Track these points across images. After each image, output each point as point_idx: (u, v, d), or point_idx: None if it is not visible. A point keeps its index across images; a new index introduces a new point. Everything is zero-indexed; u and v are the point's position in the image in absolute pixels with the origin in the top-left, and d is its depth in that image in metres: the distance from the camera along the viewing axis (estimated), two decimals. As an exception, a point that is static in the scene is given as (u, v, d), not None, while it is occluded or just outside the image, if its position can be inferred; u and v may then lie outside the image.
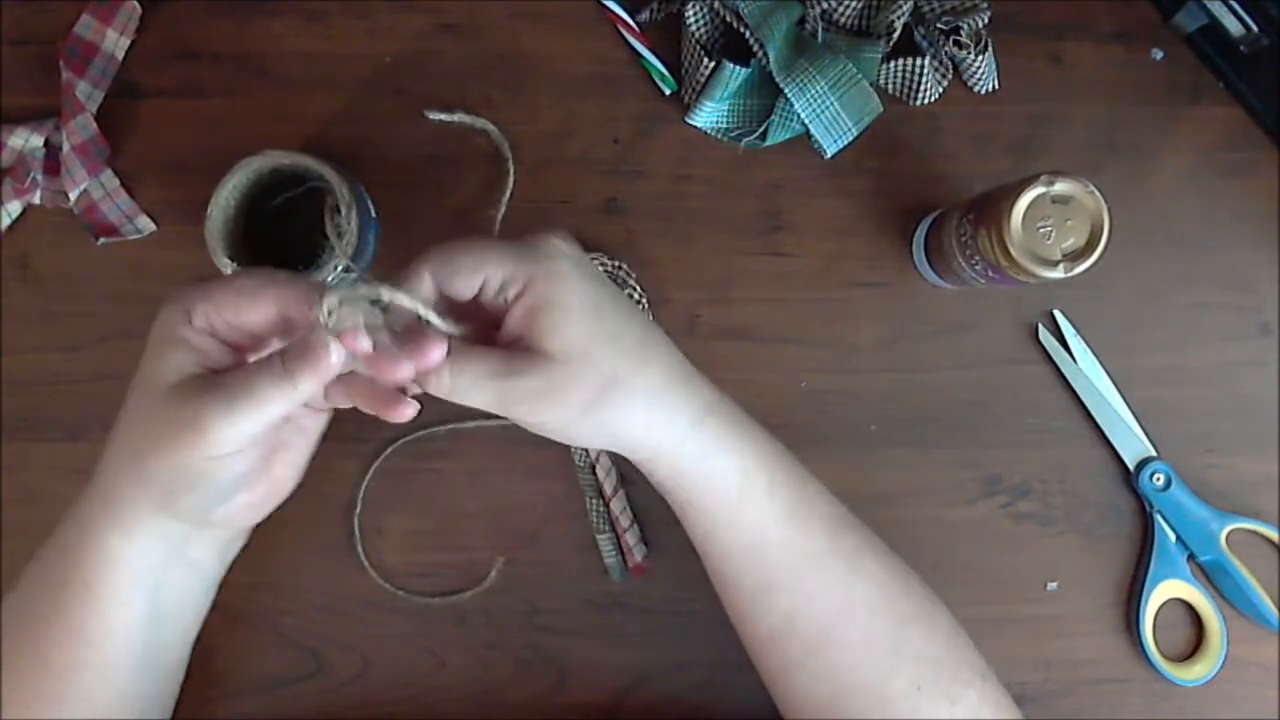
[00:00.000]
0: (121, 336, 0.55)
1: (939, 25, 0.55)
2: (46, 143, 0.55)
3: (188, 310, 0.38)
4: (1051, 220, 0.46)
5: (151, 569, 0.41)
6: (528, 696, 0.55)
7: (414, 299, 0.38)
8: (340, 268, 0.50)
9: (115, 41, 0.55)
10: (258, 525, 0.45)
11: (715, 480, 0.42)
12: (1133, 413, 0.56)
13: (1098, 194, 0.46)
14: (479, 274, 0.39)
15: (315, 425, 0.43)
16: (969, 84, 0.57)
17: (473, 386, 0.38)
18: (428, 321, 0.38)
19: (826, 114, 0.54)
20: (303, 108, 0.56)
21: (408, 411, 0.39)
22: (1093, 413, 0.56)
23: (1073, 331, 0.56)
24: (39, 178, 0.55)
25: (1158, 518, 0.55)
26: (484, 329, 0.41)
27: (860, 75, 0.54)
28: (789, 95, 0.54)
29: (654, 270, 0.56)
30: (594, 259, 0.56)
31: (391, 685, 0.55)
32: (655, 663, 0.56)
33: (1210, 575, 0.56)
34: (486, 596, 0.55)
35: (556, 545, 0.56)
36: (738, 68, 0.54)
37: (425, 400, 0.40)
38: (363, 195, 0.53)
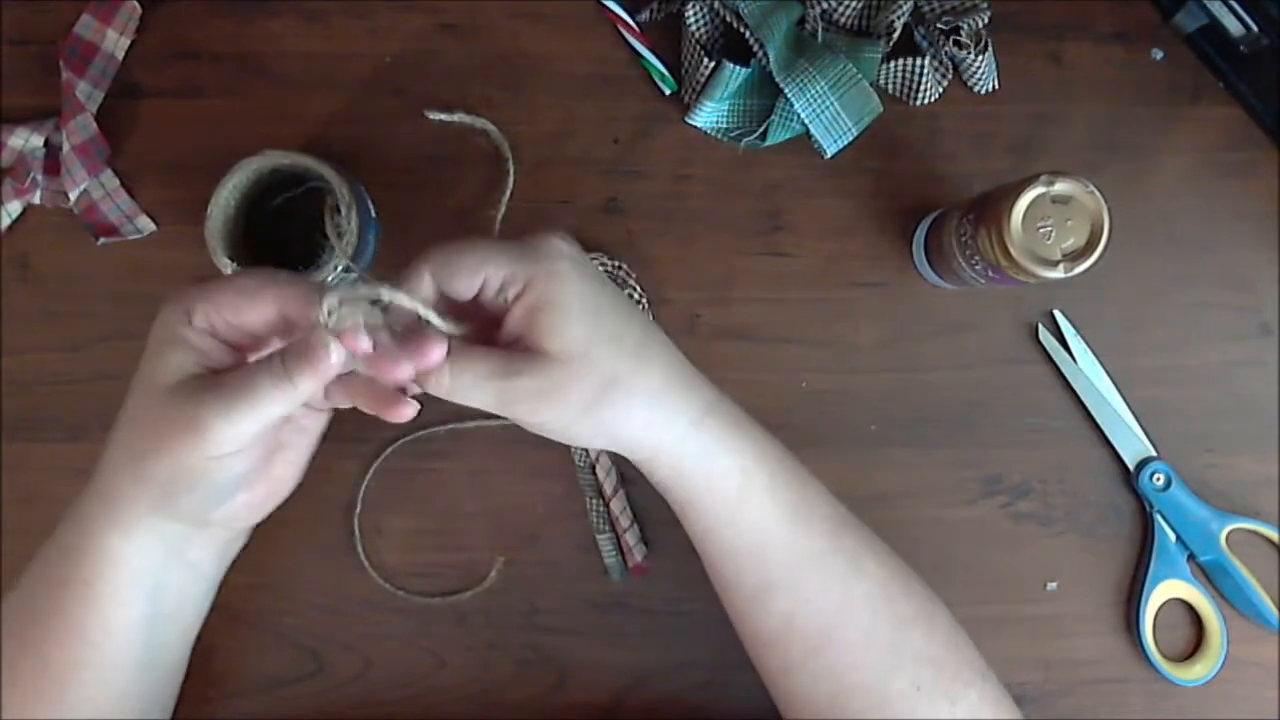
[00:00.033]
0: (121, 336, 0.55)
1: (939, 25, 0.55)
2: (46, 143, 0.55)
3: (188, 310, 0.38)
4: (1051, 220, 0.46)
5: (151, 569, 0.41)
6: (528, 696, 0.55)
7: (414, 299, 0.38)
8: (340, 268, 0.50)
9: (115, 41, 0.55)
10: (258, 525, 0.45)
11: (715, 480, 0.42)
12: (1133, 413, 0.56)
13: (1098, 194, 0.46)
14: (479, 274, 0.39)
15: (315, 425, 0.43)
16: (969, 84, 0.57)
17: (473, 386, 0.38)
18: (428, 321, 0.38)
19: (826, 114, 0.54)
20: (303, 108, 0.56)
21: (408, 412, 0.39)
22: (1093, 413, 0.56)
23: (1073, 331, 0.56)
24: (39, 178, 0.55)
25: (1158, 518, 0.56)
26: (484, 329, 0.41)
27: (860, 75, 0.54)
28: (789, 95, 0.54)
29: (654, 270, 0.56)
30: (594, 259, 0.56)
31: (391, 685, 0.55)
32: (655, 663, 0.56)
33: (1210, 575, 0.56)
34: (486, 596, 0.55)
35: (556, 545, 0.56)
36: (738, 68, 0.54)
37: (425, 400, 0.40)
38: (363, 195, 0.53)
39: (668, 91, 0.57)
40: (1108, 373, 0.56)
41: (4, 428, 0.55)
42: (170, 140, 0.56)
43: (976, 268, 0.50)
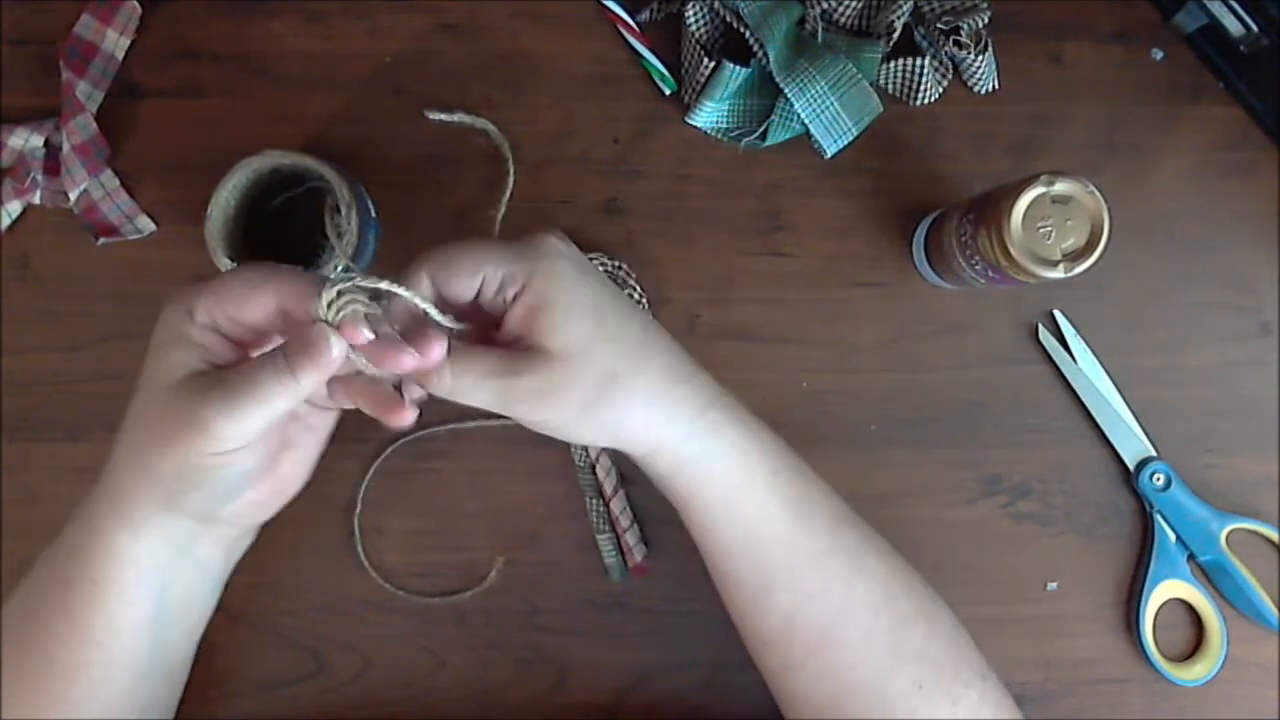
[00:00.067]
0: (121, 336, 0.55)
1: (939, 25, 0.55)
2: (46, 143, 0.55)
3: (190, 307, 0.38)
4: (1051, 220, 0.46)
5: (158, 568, 0.41)
6: (528, 696, 0.55)
7: (414, 292, 0.38)
8: (340, 268, 0.50)
9: (115, 41, 0.55)
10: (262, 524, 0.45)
11: (716, 476, 0.42)
12: (1133, 413, 0.56)
13: (1098, 194, 0.46)
14: (477, 274, 0.39)
15: (324, 424, 0.43)
16: (969, 84, 0.57)
17: (474, 385, 0.38)
18: (428, 316, 0.38)
19: (826, 114, 0.54)
20: (303, 108, 0.56)
21: (408, 416, 0.39)
22: (1093, 413, 0.56)
23: (1073, 331, 0.56)
24: (39, 178, 0.55)
25: (1158, 518, 0.55)
26: (483, 329, 0.41)
27: (860, 75, 0.54)
28: (789, 95, 0.54)
29: (654, 270, 0.56)
30: (594, 259, 0.56)
31: (391, 685, 0.55)
32: (655, 663, 0.56)
33: (1210, 575, 0.56)
34: (486, 596, 0.55)
35: (556, 545, 0.56)
36: (738, 68, 0.54)
37: (425, 400, 0.40)
38: (363, 195, 0.53)
39: (668, 91, 0.57)
40: (1108, 373, 0.56)
41: (4, 428, 0.55)
42: (170, 140, 0.56)
43: (976, 268, 0.50)
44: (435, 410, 0.46)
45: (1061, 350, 0.56)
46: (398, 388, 0.40)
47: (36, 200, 0.55)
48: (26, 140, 0.54)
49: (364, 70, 0.56)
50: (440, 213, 0.56)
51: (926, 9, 0.56)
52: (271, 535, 0.47)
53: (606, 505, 0.55)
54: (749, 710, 0.55)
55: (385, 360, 0.37)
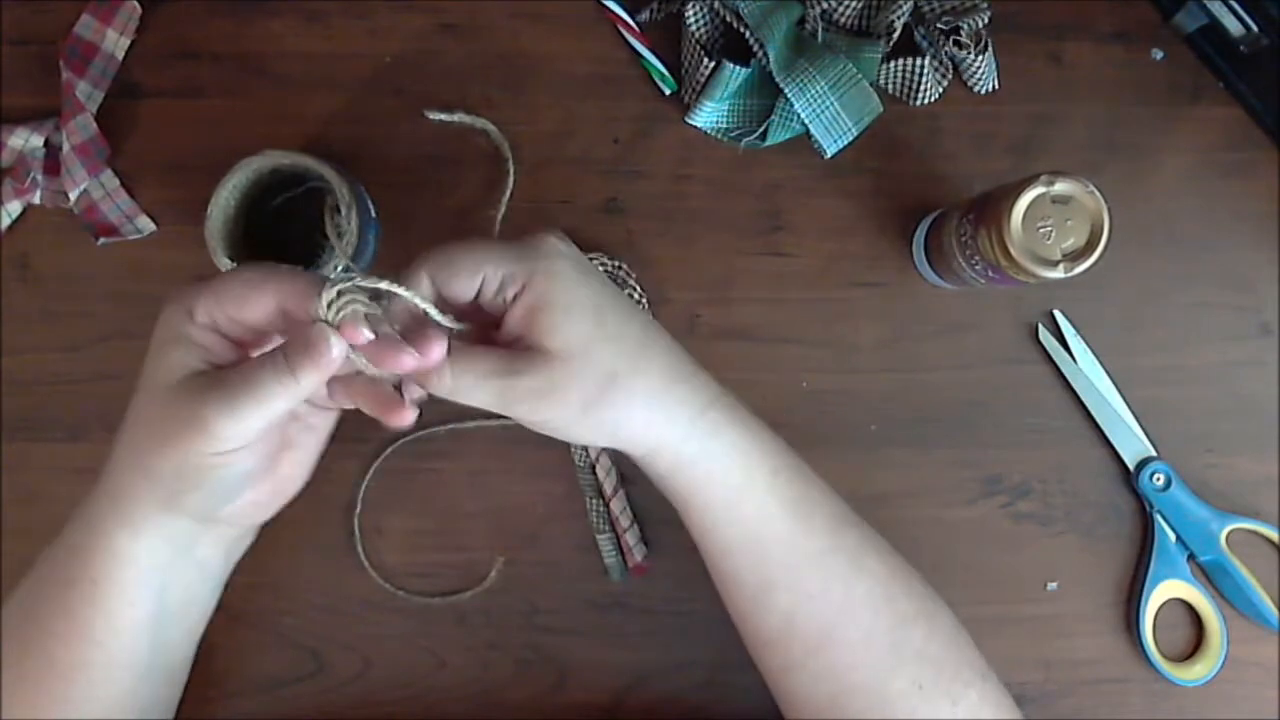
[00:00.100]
0: (121, 336, 0.55)
1: (939, 25, 0.55)
2: (46, 143, 0.55)
3: (190, 307, 0.38)
4: (1051, 220, 0.46)
5: (159, 568, 0.41)
6: (528, 696, 0.55)
7: (414, 292, 0.38)
8: (340, 267, 0.50)
9: (115, 41, 0.55)
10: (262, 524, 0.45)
11: (716, 475, 0.42)
12: (1133, 413, 0.56)
13: (1098, 194, 0.46)
14: (477, 275, 0.39)
15: (324, 424, 0.43)
16: (969, 84, 0.57)
17: (474, 385, 0.38)
18: (428, 315, 0.38)
19: (826, 114, 0.54)
20: (303, 108, 0.56)
21: (408, 416, 0.39)
22: (1093, 413, 0.56)
23: (1073, 331, 0.56)
24: (39, 178, 0.55)
25: (1158, 518, 0.55)
26: (483, 329, 0.41)
27: (860, 75, 0.54)
28: (789, 95, 0.54)
29: (654, 270, 0.56)
30: (594, 259, 0.56)
31: (391, 685, 0.55)
32: (655, 663, 0.56)
33: (1210, 575, 0.56)
34: (486, 596, 0.55)
35: (556, 545, 0.56)
36: (738, 68, 0.54)
37: (425, 400, 0.40)
38: (363, 195, 0.53)
39: (668, 91, 0.57)
40: (1108, 373, 0.56)
41: (4, 428, 0.55)
42: (170, 140, 0.56)
43: (976, 268, 0.50)
44: (435, 410, 0.46)
45: (1061, 350, 0.56)
46: (398, 388, 0.40)
47: (36, 200, 0.55)
48: (26, 140, 0.54)
49: (364, 70, 0.56)
50: (440, 213, 0.56)
51: (926, 9, 0.56)
52: (271, 535, 0.47)
53: (606, 505, 0.55)
54: (749, 710, 0.55)
55: (385, 360, 0.37)
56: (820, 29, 0.55)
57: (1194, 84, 0.58)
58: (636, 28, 0.56)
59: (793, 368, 0.56)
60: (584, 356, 0.38)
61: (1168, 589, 0.55)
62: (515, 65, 0.57)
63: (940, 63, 0.56)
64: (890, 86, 0.57)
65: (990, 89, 0.57)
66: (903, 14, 0.54)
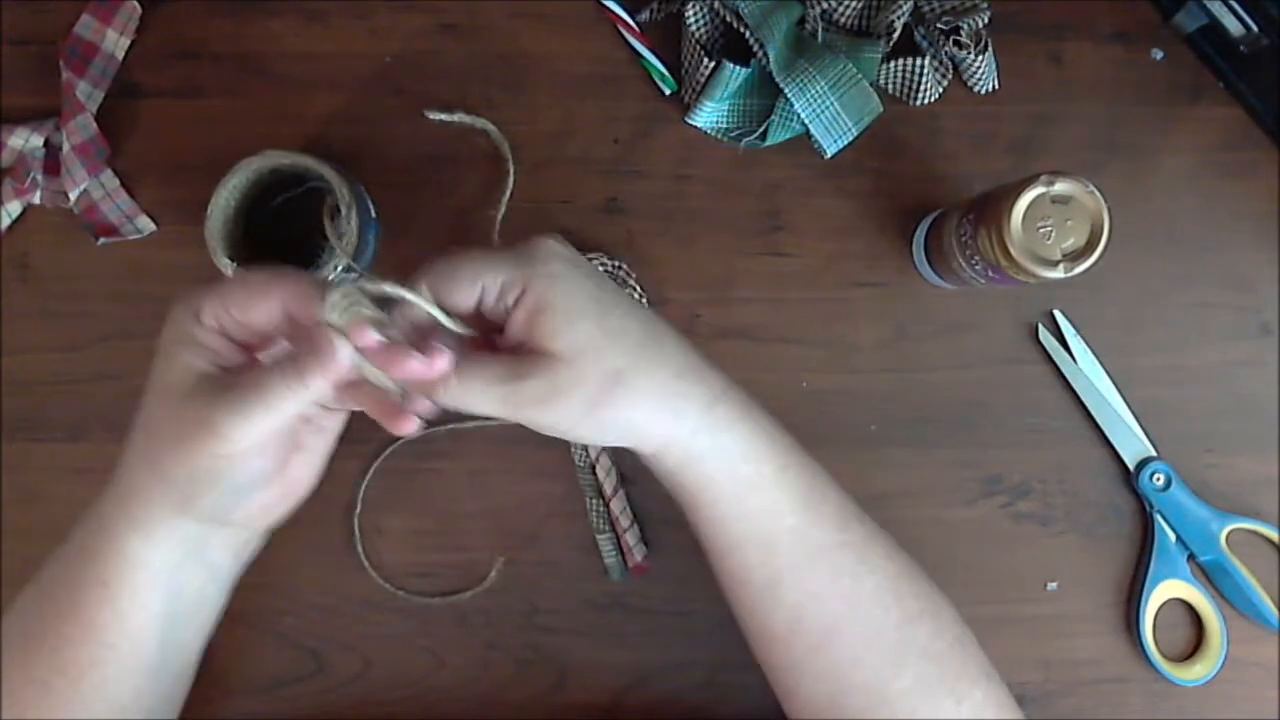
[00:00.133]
0: (121, 336, 0.55)
1: (939, 25, 0.55)
2: (46, 143, 0.55)
3: (196, 310, 0.39)
4: (1051, 220, 0.46)
5: (169, 570, 0.42)
6: (528, 696, 0.55)
7: (420, 295, 0.38)
8: (340, 268, 0.50)
9: (115, 41, 0.55)
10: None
11: (724, 469, 0.42)
12: (1133, 413, 0.56)
13: (1098, 194, 0.46)
14: (476, 284, 0.39)
15: (333, 425, 0.43)
16: (969, 84, 0.57)
17: (480, 393, 0.38)
18: (436, 320, 0.38)
19: (826, 114, 0.54)
20: (303, 108, 0.56)
21: (411, 424, 0.39)
22: (1093, 413, 0.56)
23: (1073, 331, 0.56)
24: (39, 178, 0.55)
25: (1158, 518, 0.56)
26: (486, 337, 0.41)
27: (860, 75, 0.54)
28: (789, 95, 0.54)
29: (654, 270, 0.56)
30: (594, 259, 0.56)
31: (391, 685, 0.55)
32: (655, 663, 0.56)
33: (1210, 575, 0.56)
34: (486, 596, 0.55)
35: (556, 545, 0.56)
36: (738, 68, 0.54)
37: (436, 413, 0.40)
38: (363, 195, 0.53)
39: (668, 91, 0.57)
40: (1108, 373, 0.56)
41: (4, 428, 0.55)
42: (170, 140, 0.56)
43: (976, 268, 0.50)
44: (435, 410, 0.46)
45: (1061, 350, 0.56)
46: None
47: (36, 200, 0.55)
48: (26, 140, 0.54)
49: (364, 70, 0.56)
50: (440, 213, 0.56)
51: (926, 9, 0.56)
52: (272, 535, 0.47)
53: (606, 505, 0.55)
54: (749, 710, 0.55)
55: (392, 365, 0.37)
56: (820, 29, 0.55)
57: (1194, 84, 0.58)
58: (636, 28, 0.56)
59: (793, 368, 0.56)
60: (587, 357, 0.38)
61: (1168, 589, 0.55)
62: (515, 65, 0.57)
63: (940, 63, 0.56)
64: (890, 86, 0.57)
65: (990, 89, 0.57)
66: (903, 14, 0.54)
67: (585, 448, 0.56)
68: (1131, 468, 0.56)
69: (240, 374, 0.38)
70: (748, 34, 0.54)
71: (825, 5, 0.55)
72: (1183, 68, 0.58)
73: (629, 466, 0.55)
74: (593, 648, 0.56)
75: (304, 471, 0.43)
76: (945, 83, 0.57)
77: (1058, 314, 0.56)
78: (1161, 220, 0.57)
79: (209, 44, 0.56)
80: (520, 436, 0.52)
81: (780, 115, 0.55)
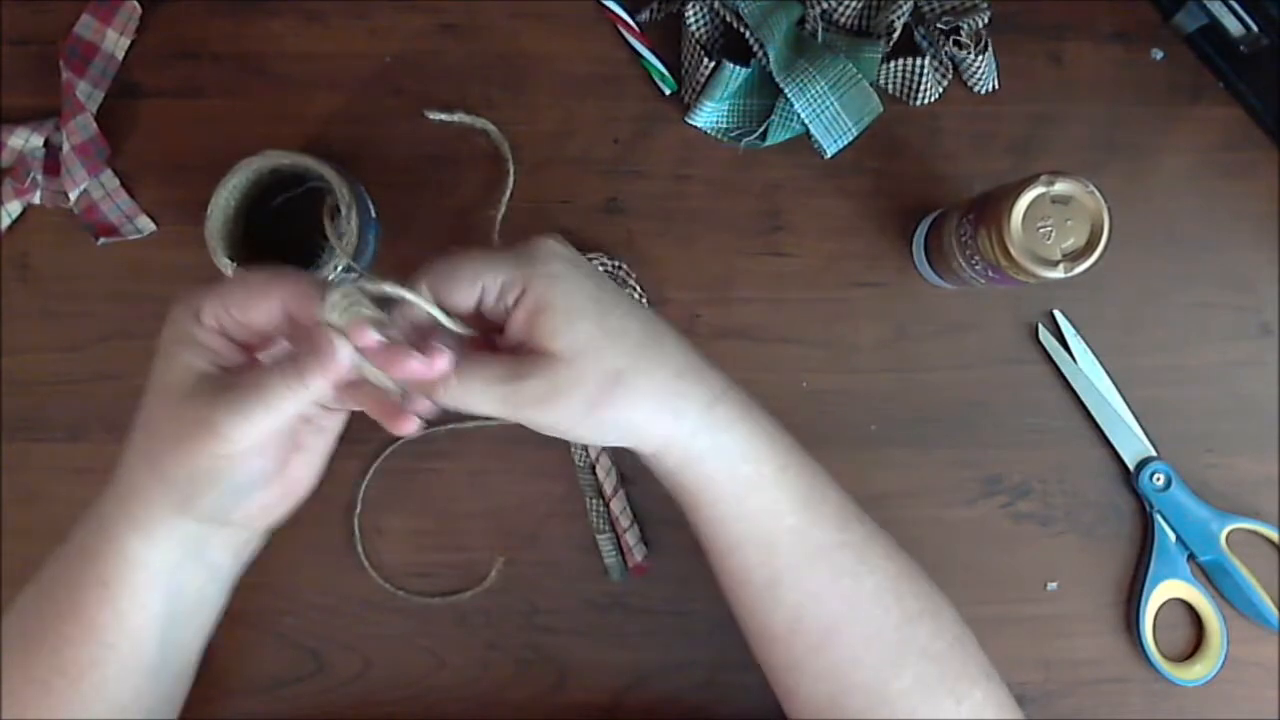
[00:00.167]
0: (121, 336, 0.55)
1: (939, 25, 0.55)
2: (46, 143, 0.55)
3: (196, 310, 0.39)
4: (1051, 220, 0.46)
5: (170, 570, 0.42)
6: (528, 696, 0.55)
7: (420, 295, 0.38)
8: (340, 268, 0.50)
9: (115, 41, 0.55)
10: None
11: (724, 469, 0.42)
12: (1133, 413, 0.56)
13: (1098, 194, 0.46)
14: (475, 285, 0.39)
15: (333, 425, 0.43)
16: (969, 84, 0.57)
17: (480, 393, 0.38)
18: (436, 320, 0.38)
19: (826, 114, 0.54)
20: (303, 108, 0.56)
21: (411, 424, 0.39)
22: (1093, 413, 0.56)
23: (1073, 331, 0.56)
24: (39, 178, 0.55)
25: (1158, 518, 0.56)
26: (486, 337, 0.41)
27: (860, 75, 0.54)
28: (789, 95, 0.54)
29: (654, 270, 0.56)
30: (594, 259, 0.56)
31: (391, 685, 0.55)
32: (655, 663, 0.56)
33: (1210, 575, 0.56)
34: (486, 596, 0.55)
35: (556, 545, 0.56)
36: (738, 68, 0.54)
37: (436, 413, 0.40)
38: (363, 195, 0.53)
39: (668, 91, 0.57)
40: (1108, 373, 0.56)
41: (4, 428, 0.55)
42: (170, 140, 0.56)
43: (976, 268, 0.50)
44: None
45: (1061, 350, 0.56)
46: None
47: (36, 200, 0.55)
48: (26, 140, 0.54)
49: (364, 70, 0.56)
50: (440, 213, 0.56)
51: (926, 9, 0.56)
52: (272, 535, 0.47)
53: (606, 505, 0.55)
54: (749, 710, 0.55)
55: (392, 364, 0.37)
56: (820, 29, 0.55)
57: (1194, 84, 0.58)
58: (636, 28, 0.56)
59: (793, 368, 0.56)
60: (587, 357, 0.38)
61: (1168, 589, 0.55)
62: (515, 65, 0.57)
63: (940, 63, 0.56)
64: (890, 86, 0.57)
65: (990, 89, 0.57)
66: (903, 14, 0.54)
67: (585, 448, 0.56)
68: (1131, 468, 0.56)
69: (240, 374, 0.38)
70: (748, 34, 0.54)
71: (825, 5, 0.55)
72: (1183, 68, 0.58)
73: (629, 466, 0.55)
74: (593, 648, 0.56)
75: (304, 471, 0.43)
76: (945, 83, 0.57)
77: (1058, 314, 0.56)
78: (1161, 220, 0.57)
79: (209, 44, 0.56)
80: (520, 436, 0.52)
81: (780, 115, 0.55)
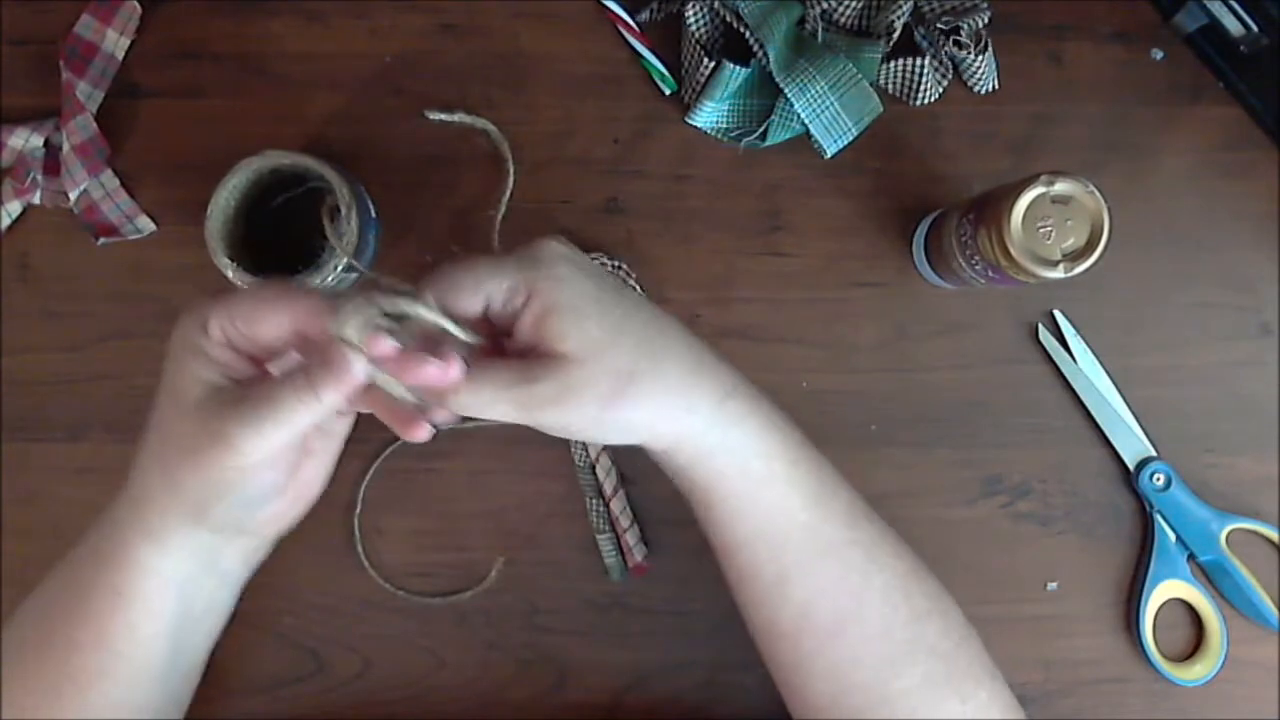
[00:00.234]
0: (121, 336, 0.55)
1: (939, 25, 0.55)
2: (46, 143, 0.55)
3: (203, 322, 0.38)
4: (1051, 220, 0.46)
5: (182, 579, 0.42)
6: (528, 696, 0.55)
7: (430, 309, 0.37)
8: (340, 267, 0.50)
9: (115, 41, 0.55)
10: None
11: (737, 464, 0.41)
12: (1133, 413, 0.56)
13: (1098, 194, 0.46)
14: (481, 291, 0.39)
15: (341, 430, 0.43)
16: (969, 84, 0.57)
17: (493, 398, 0.38)
18: (446, 331, 0.38)
19: (826, 114, 0.54)
20: (303, 108, 0.56)
21: (424, 431, 0.39)
22: (1093, 413, 0.56)
23: (1073, 331, 0.56)
24: (39, 178, 0.55)
25: (1158, 518, 0.55)
26: (495, 342, 0.41)
27: (860, 75, 0.54)
28: (789, 95, 0.54)
29: (654, 270, 0.56)
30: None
31: (391, 685, 0.55)
32: (655, 663, 0.56)
33: (1210, 575, 0.56)
34: (486, 596, 0.55)
35: (556, 545, 0.56)
36: (738, 68, 0.54)
37: (455, 422, 0.40)
38: (363, 195, 0.53)
39: (668, 91, 0.57)
40: (1108, 373, 0.56)
41: (4, 428, 0.55)
42: (170, 140, 0.56)
43: (976, 268, 0.50)
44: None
45: (1061, 350, 0.56)
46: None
47: (36, 200, 0.55)
48: (26, 140, 0.54)
49: (364, 70, 0.56)
50: (440, 213, 0.56)
51: (926, 9, 0.56)
52: (272, 535, 0.47)
53: (606, 505, 0.55)
54: (749, 710, 0.55)
55: (407, 371, 0.37)
56: (820, 29, 0.55)
57: (1194, 84, 0.58)
58: (636, 28, 0.56)
59: (793, 368, 0.56)
60: (598, 356, 0.38)
61: (1168, 589, 0.55)
62: (515, 65, 0.57)
63: (940, 63, 0.56)
64: (890, 86, 0.57)
65: (990, 89, 0.57)
66: (903, 14, 0.54)
67: (585, 448, 0.56)
68: (1131, 468, 0.56)
69: (251, 386, 0.38)
70: (748, 34, 0.54)
71: (825, 5, 0.55)
72: (1183, 68, 0.58)
73: (629, 466, 0.55)
74: (593, 648, 0.56)
75: (314, 476, 0.43)
76: (945, 83, 0.57)
77: (1058, 314, 0.56)
78: (1161, 220, 0.57)
79: (209, 44, 0.56)
80: (520, 436, 0.52)
81: (780, 115, 0.55)
